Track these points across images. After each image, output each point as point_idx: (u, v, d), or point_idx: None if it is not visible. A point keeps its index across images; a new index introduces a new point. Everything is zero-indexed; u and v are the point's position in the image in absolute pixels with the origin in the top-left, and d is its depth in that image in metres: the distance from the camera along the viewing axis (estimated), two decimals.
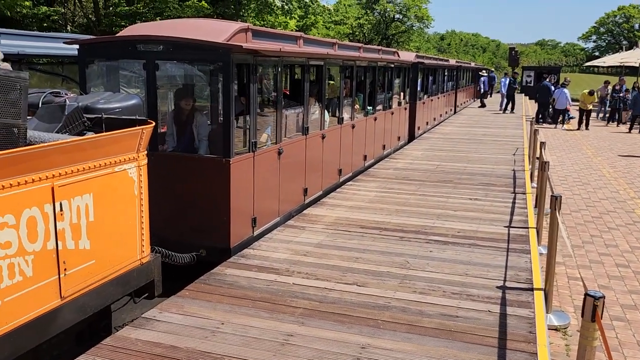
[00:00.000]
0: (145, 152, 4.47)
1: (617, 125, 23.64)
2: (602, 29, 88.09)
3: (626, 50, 42.29)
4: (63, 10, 24.68)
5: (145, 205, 4.51)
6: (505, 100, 26.69)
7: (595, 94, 22.46)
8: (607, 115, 25.19)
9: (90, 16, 25.51)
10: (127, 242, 4.35)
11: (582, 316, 2.78)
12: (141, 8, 23.07)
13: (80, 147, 3.75)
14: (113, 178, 4.14)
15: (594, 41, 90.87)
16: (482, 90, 30.99)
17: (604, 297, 2.76)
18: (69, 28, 25.71)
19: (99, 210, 3.96)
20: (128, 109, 4.58)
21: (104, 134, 4.02)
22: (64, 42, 6.22)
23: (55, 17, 23.75)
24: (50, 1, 24.12)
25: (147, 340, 4.02)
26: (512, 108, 26.50)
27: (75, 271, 3.81)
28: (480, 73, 32.85)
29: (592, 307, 2.66)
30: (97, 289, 4.04)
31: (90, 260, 3.95)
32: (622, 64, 35.15)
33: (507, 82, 26.37)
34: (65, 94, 4.55)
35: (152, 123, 4.46)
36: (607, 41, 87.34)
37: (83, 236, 3.85)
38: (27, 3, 18.93)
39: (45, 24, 22.50)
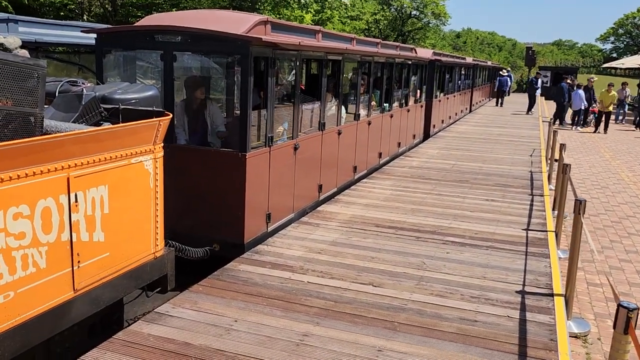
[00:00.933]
0: (162, 144, 4.39)
1: None
2: (620, 30, 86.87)
3: None
4: None
5: (160, 199, 4.44)
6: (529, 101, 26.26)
7: (613, 91, 21.48)
8: (638, 119, 24.28)
9: (107, 6, 25.55)
10: (141, 235, 4.29)
11: (614, 327, 2.67)
12: None
13: (97, 137, 3.68)
14: (129, 170, 4.07)
15: (612, 42, 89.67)
16: (504, 89, 30.43)
17: (638, 308, 2.63)
18: (85, 17, 25.78)
19: (114, 202, 3.89)
20: (145, 100, 4.51)
21: (121, 125, 3.94)
22: (81, 31, 6.16)
23: (72, 6, 23.82)
24: None
25: (160, 335, 3.95)
26: (530, 108, 26.12)
27: (89, 264, 3.75)
28: (500, 72, 32.36)
29: (626, 319, 2.54)
30: (110, 282, 3.98)
31: (104, 253, 3.89)
32: None
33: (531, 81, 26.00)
34: (83, 84, 4.49)
35: (169, 115, 4.38)
36: (625, 43, 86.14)
37: (97, 228, 3.79)
38: None
39: (62, 13, 22.57)
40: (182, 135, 6.35)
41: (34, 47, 6.51)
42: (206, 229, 5.77)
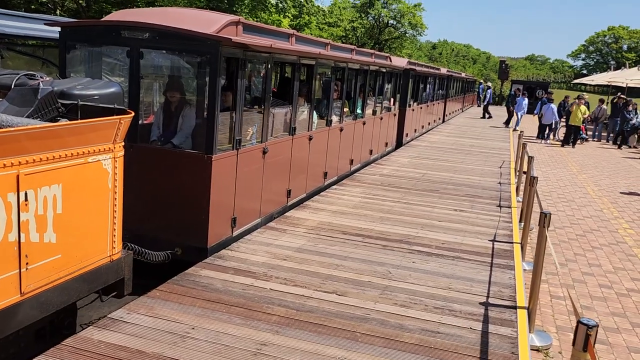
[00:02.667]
0: (122, 143, 4.24)
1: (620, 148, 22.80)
2: (591, 48, 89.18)
3: (614, 70, 42.74)
4: None
5: (119, 200, 4.28)
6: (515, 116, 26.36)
7: (582, 103, 21.44)
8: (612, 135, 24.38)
9: (80, 1, 25.05)
10: (97, 237, 4.12)
11: (574, 344, 2.63)
12: None
13: (51, 134, 3.51)
14: (86, 169, 3.90)
15: (583, 59, 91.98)
16: (487, 101, 31.23)
17: (597, 325, 2.60)
18: (58, 12, 25.23)
19: (68, 202, 3.72)
20: (107, 97, 4.35)
21: (78, 121, 3.79)
22: (44, 24, 5.95)
23: (44, 0, 23.27)
24: None
25: (112, 342, 3.79)
26: (508, 122, 26.39)
27: (38, 266, 3.58)
28: (487, 85, 33.16)
29: (585, 336, 2.51)
30: (61, 285, 3.81)
31: (55, 255, 3.72)
32: (609, 84, 35.48)
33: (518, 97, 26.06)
34: (41, 77, 4.31)
35: (131, 113, 4.23)
36: (595, 60, 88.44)
37: (49, 229, 3.62)
38: None
39: (33, 6, 22.02)
40: (156, 133, 6.22)
41: None
42: (170, 232, 5.61)
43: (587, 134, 23.89)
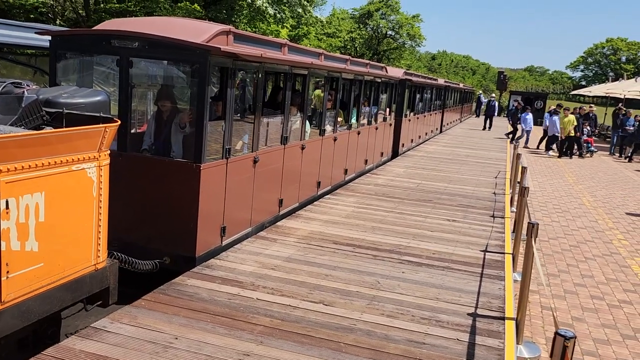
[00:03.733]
0: (108, 151, 4.23)
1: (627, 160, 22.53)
2: (589, 59, 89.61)
3: (612, 81, 42.90)
4: (52, 2, 24.32)
5: (104, 208, 4.26)
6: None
7: (569, 114, 21.16)
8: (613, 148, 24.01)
9: (80, 11, 25.19)
10: (81, 245, 4.10)
11: (551, 356, 2.61)
12: (132, 6, 22.82)
13: (34, 141, 3.51)
14: (69, 177, 3.89)
15: (582, 71, 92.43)
16: (492, 113, 30.49)
17: (575, 337, 2.58)
18: (58, 22, 25.35)
19: (51, 210, 3.71)
20: (93, 105, 4.35)
21: (61, 129, 3.78)
22: (35, 32, 5.97)
23: (44, 10, 23.38)
24: None
25: (93, 352, 3.76)
26: (513, 136, 25.49)
27: (20, 274, 3.56)
28: (492, 96, 32.85)
29: (562, 348, 2.49)
30: (43, 294, 3.79)
31: (37, 263, 3.69)
32: (607, 95, 35.61)
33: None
34: (27, 86, 4.31)
35: (117, 122, 4.23)
36: (594, 71, 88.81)
37: (31, 237, 3.60)
38: None
39: (32, 16, 22.12)
40: (148, 142, 6.24)
41: None
42: (158, 241, 5.59)
43: (593, 146, 23.43)
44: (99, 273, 4.31)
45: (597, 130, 24.49)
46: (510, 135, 25.54)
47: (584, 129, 22.14)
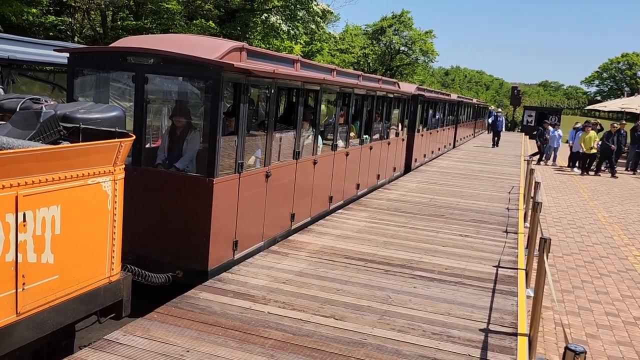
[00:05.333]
0: (123, 165, 4.31)
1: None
2: (605, 74, 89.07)
3: (628, 96, 42.59)
4: (71, 20, 24.82)
5: (118, 221, 4.33)
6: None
7: (591, 131, 20.65)
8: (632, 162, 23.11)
9: (97, 29, 25.68)
10: (95, 258, 4.16)
11: None
12: (148, 23, 23.21)
13: (50, 156, 3.59)
14: (85, 191, 3.97)
15: (597, 86, 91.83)
16: (499, 130, 28.11)
17: (585, 352, 2.57)
18: (76, 39, 25.84)
19: (66, 223, 3.78)
20: (108, 121, 4.44)
21: (77, 144, 3.87)
22: (54, 50, 6.12)
23: (62, 27, 23.87)
24: (58, 11, 24.24)
25: None
26: (540, 158, 24.24)
27: (35, 286, 3.62)
28: (498, 111, 30.28)
29: None
30: (58, 306, 3.85)
31: (52, 275, 3.76)
32: (623, 110, 35.32)
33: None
34: (46, 102, 4.42)
35: (132, 136, 4.32)
36: (609, 86, 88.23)
37: (47, 249, 3.67)
38: (33, 10, 18.98)
39: (51, 33, 22.60)
40: (162, 156, 6.33)
41: (7, 64, 6.46)
42: (171, 255, 5.66)
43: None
44: (112, 285, 4.37)
45: (625, 148, 23.66)
46: (537, 157, 24.17)
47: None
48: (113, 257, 4.33)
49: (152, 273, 5.06)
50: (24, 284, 3.52)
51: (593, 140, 20.34)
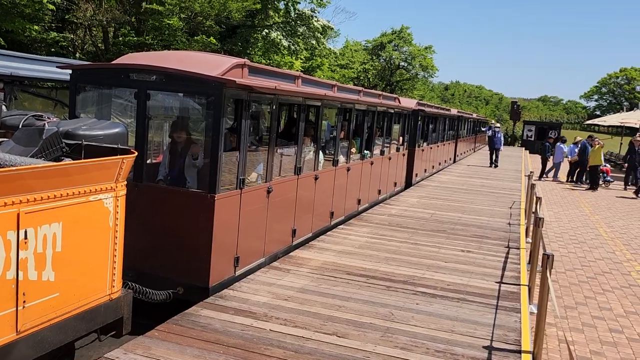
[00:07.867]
0: (125, 182, 4.31)
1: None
2: (603, 89, 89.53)
3: (627, 111, 42.73)
4: (73, 37, 24.99)
5: (120, 238, 4.32)
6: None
7: (595, 144, 20.66)
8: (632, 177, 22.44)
9: (99, 45, 25.83)
10: (96, 275, 4.14)
11: None
12: (149, 40, 23.35)
13: (52, 173, 3.59)
14: (87, 207, 3.96)
15: (596, 100, 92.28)
16: (497, 147, 24.86)
17: None
18: (77, 55, 25.99)
19: (67, 240, 3.76)
20: (111, 137, 4.45)
21: (79, 161, 3.87)
22: (56, 66, 6.15)
23: (64, 44, 24.01)
24: (60, 28, 24.42)
25: None
26: (542, 172, 23.67)
27: (36, 304, 3.60)
28: (496, 126, 28.23)
29: None
30: (58, 324, 3.81)
31: (53, 293, 3.73)
32: (622, 124, 35.41)
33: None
34: (48, 118, 4.43)
35: (134, 153, 4.32)
36: (608, 101, 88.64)
37: (48, 267, 3.65)
38: (35, 27, 19.11)
39: (53, 49, 22.73)
40: (163, 172, 6.34)
41: (10, 81, 6.48)
42: (172, 271, 5.62)
43: (609, 176, 22.96)
44: (113, 303, 4.34)
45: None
46: (552, 173, 23.86)
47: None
48: (114, 274, 4.31)
49: (152, 290, 5.03)
50: (24, 301, 3.50)
51: (602, 153, 20.44)
